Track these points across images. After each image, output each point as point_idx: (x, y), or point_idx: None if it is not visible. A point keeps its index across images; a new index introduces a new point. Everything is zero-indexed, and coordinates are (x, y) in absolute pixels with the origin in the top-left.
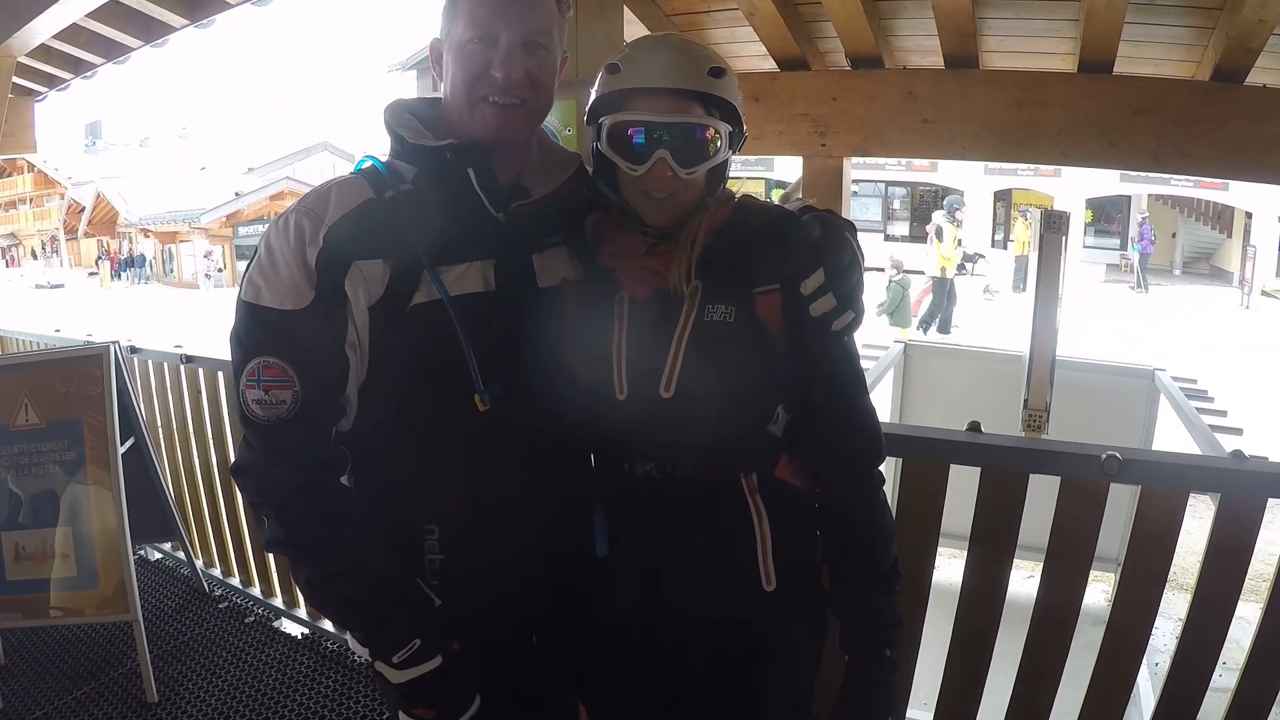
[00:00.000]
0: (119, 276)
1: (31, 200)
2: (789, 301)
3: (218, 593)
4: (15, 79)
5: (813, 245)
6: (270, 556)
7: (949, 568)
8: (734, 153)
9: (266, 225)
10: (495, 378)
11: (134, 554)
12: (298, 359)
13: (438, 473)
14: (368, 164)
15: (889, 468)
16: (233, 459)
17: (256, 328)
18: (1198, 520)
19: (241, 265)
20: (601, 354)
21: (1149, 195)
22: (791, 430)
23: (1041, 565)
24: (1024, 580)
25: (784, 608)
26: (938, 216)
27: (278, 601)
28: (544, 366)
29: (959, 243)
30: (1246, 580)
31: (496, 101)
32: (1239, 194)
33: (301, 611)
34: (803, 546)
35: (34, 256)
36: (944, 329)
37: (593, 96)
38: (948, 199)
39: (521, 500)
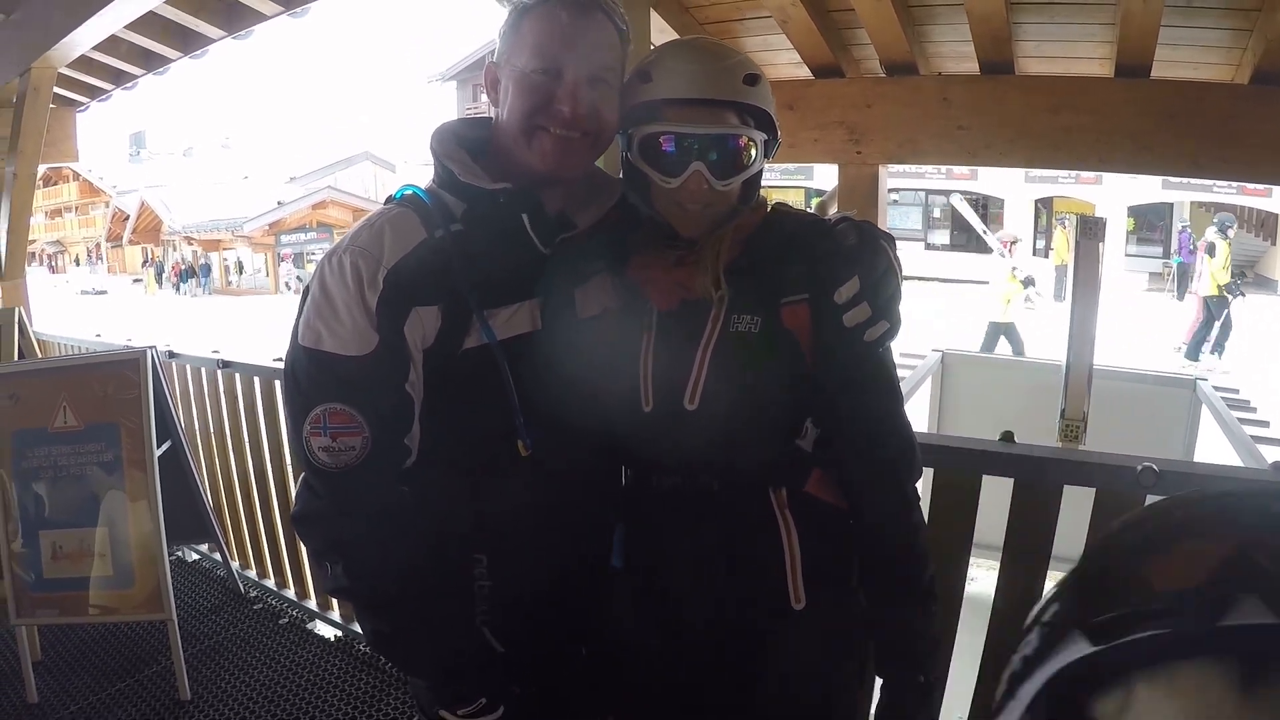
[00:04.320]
0: (179, 288)
1: (77, 208)
2: (819, 311)
3: (252, 594)
4: (57, 89)
5: (846, 253)
6: (305, 558)
7: (984, 579)
8: (768, 160)
9: (316, 262)
10: (539, 419)
11: (171, 554)
12: (366, 404)
13: (483, 506)
14: (410, 193)
15: (922, 479)
16: (268, 466)
17: (320, 374)
18: None
19: (283, 270)
20: (630, 367)
21: (1191, 203)
22: (822, 444)
23: None
24: None
25: (814, 627)
26: (1210, 232)
27: (312, 604)
28: (583, 396)
29: (1229, 263)
30: None
31: (557, 133)
32: None
33: (335, 614)
34: (837, 565)
35: (78, 263)
36: (1218, 349)
37: (621, 104)
38: (1219, 215)
39: (560, 524)
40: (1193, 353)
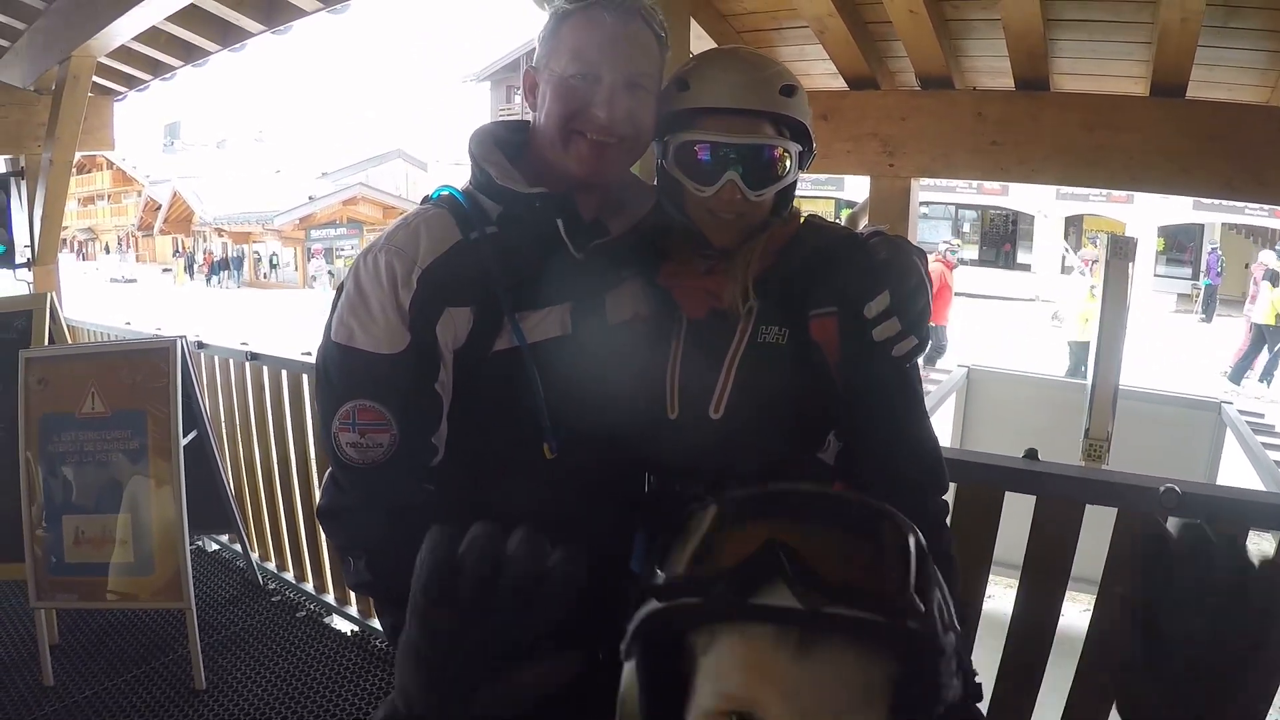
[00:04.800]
0: (209, 280)
1: (109, 196)
2: (847, 325)
3: (271, 586)
4: (96, 78)
5: (878, 267)
6: (325, 552)
7: (1001, 596)
8: (803, 171)
9: (331, 252)
10: (565, 422)
11: (191, 544)
12: (395, 402)
13: (506, 506)
14: (446, 194)
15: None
16: (292, 459)
17: (351, 370)
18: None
19: (313, 266)
20: (658, 374)
21: (1222, 224)
22: (844, 458)
23: (1094, 598)
24: (1079, 613)
25: None
26: (1266, 256)
27: (330, 598)
28: (610, 401)
29: None
30: None
31: (594, 138)
32: None
33: (352, 609)
34: None
35: (108, 251)
36: (1266, 378)
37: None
38: None
39: (582, 527)
40: (1236, 376)
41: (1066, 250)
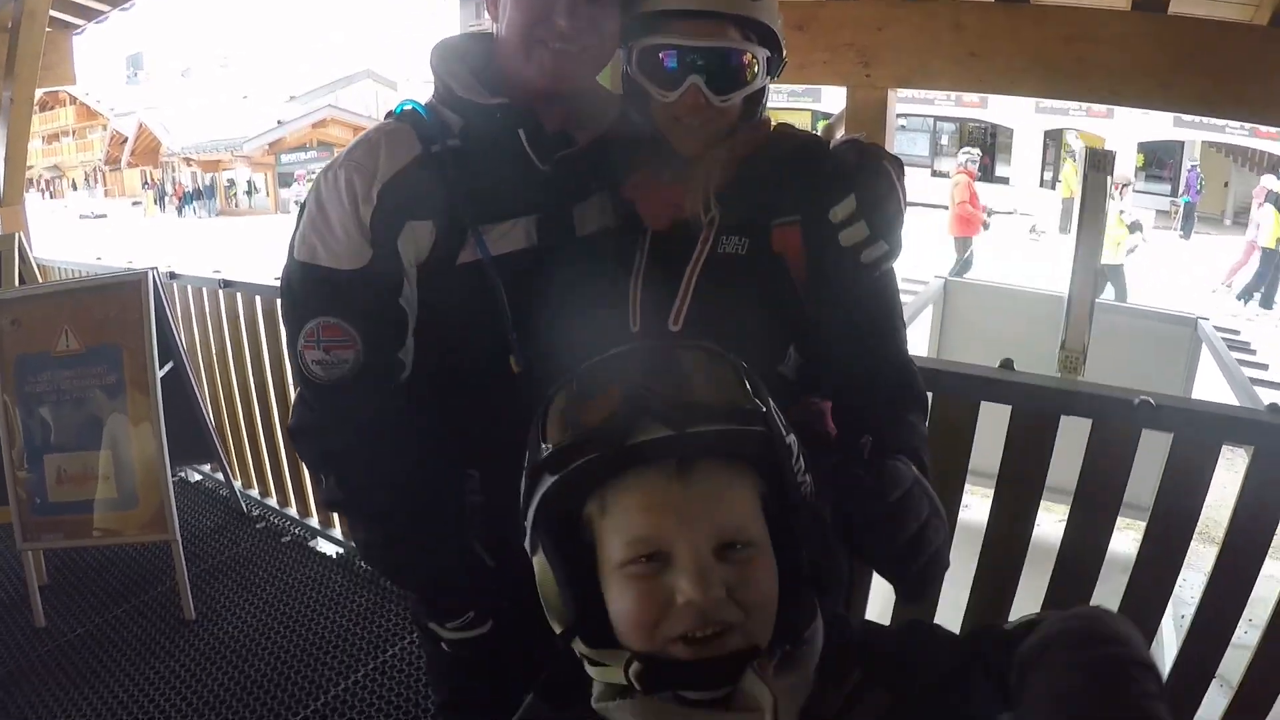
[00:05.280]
0: (182, 212)
1: (74, 132)
2: (812, 233)
3: (255, 513)
4: (52, 12)
5: (845, 171)
6: (306, 477)
7: (977, 506)
8: (772, 79)
9: (314, 176)
10: (533, 335)
11: (174, 476)
12: (358, 318)
13: (476, 421)
14: (409, 108)
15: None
16: (270, 386)
17: (314, 287)
18: (1235, 474)
19: (285, 193)
20: (620, 286)
21: (1202, 142)
22: (804, 372)
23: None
24: (1054, 523)
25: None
26: (1268, 180)
27: (313, 521)
28: (576, 313)
29: None
30: (1278, 538)
31: (556, 47)
32: None
33: (336, 532)
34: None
35: (75, 188)
36: (1266, 304)
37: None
38: None
39: None
40: (1246, 295)
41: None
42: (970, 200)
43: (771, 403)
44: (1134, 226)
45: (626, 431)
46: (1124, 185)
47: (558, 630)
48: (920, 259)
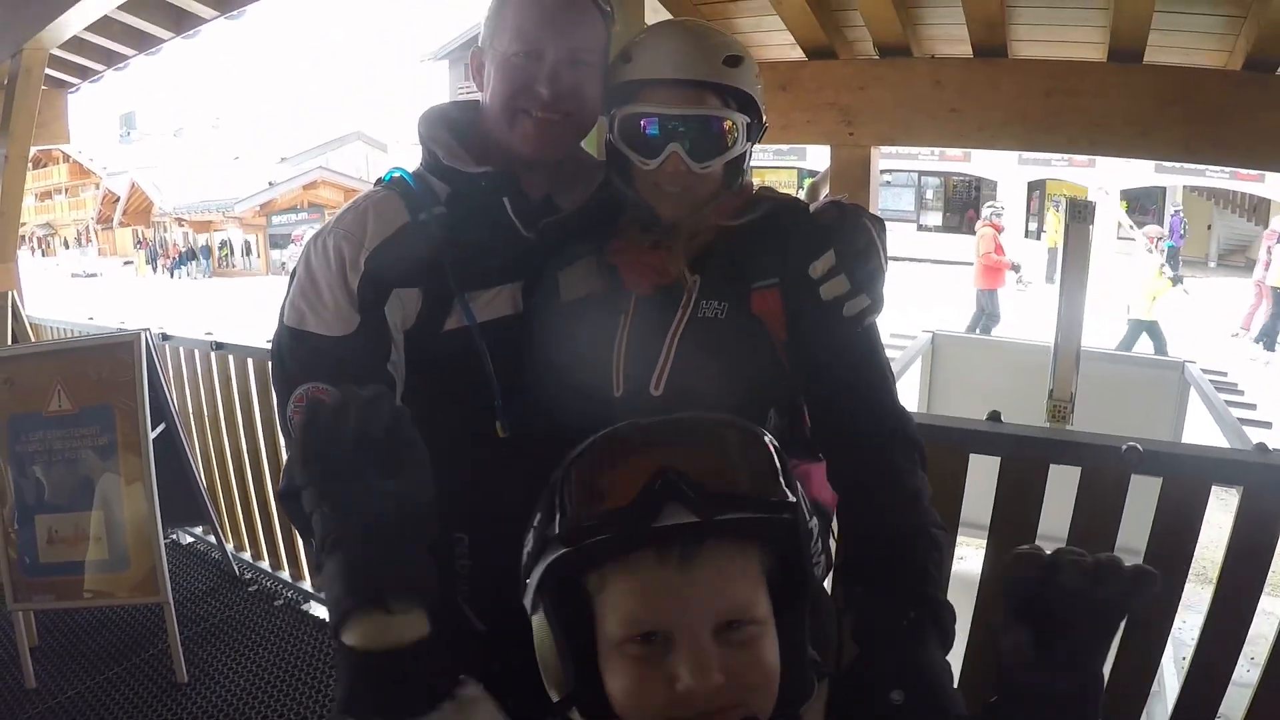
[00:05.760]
0: (173, 273)
1: (67, 190)
2: (792, 294)
3: (248, 576)
4: (48, 71)
5: (823, 230)
6: (299, 540)
7: (971, 558)
8: (753, 144)
9: (304, 243)
10: (518, 402)
11: (166, 538)
12: (347, 383)
13: (462, 486)
14: (397, 175)
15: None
16: (262, 448)
17: (304, 353)
18: (1228, 514)
19: (275, 254)
20: (604, 352)
21: (1184, 187)
22: (784, 436)
23: None
24: None
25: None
26: (1278, 223)
27: (306, 585)
28: (562, 380)
29: None
30: (1272, 574)
31: (539, 115)
32: (1276, 186)
33: None
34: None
35: (67, 246)
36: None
37: (605, 85)
38: None
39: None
40: (1266, 338)
41: (1131, 228)
42: (996, 250)
43: (800, 489)
44: (1176, 280)
45: (653, 515)
46: (1158, 239)
47: (555, 698)
48: (942, 314)
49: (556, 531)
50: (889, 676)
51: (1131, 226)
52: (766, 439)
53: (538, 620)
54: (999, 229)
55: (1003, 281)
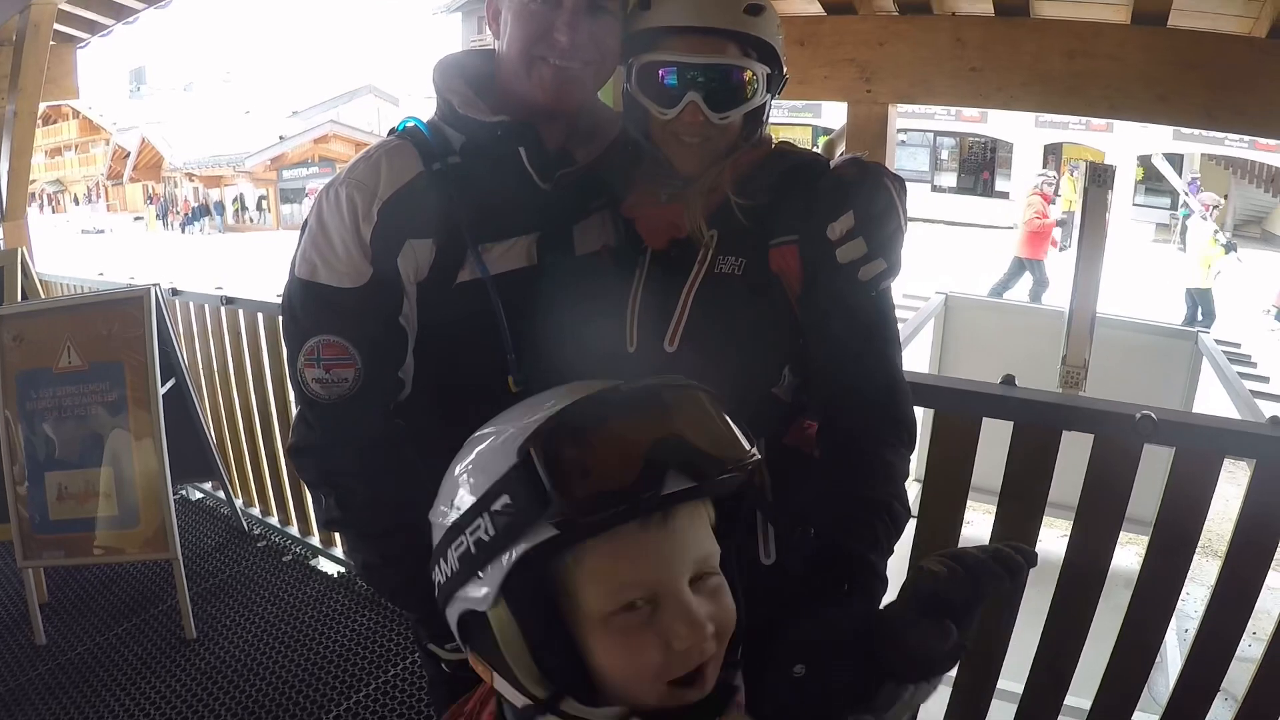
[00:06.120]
0: (184, 229)
1: (77, 147)
2: (809, 252)
3: (256, 531)
4: (57, 26)
5: (843, 188)
6: (307, 495)
7: (980, 523)
8: (773, 96)
9: (316, 194)
10: (531, 355)
11: (175, 494)
12: (359, 336)
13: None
14: (411, 124)
15: (922, 420)
16: (272, 404)
17: (315, 306)
18: (1238, 487)
19: (285, 209)
20: (619, 306)
21: (1202, 155)
22: (798, 394)
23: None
24: (1056, 539)
25: (781, 584)
26: None
27: (315, 540)
28: (574, 333)
29: None
30: None
31: (557, 63)
32: None
33: (338, 551)
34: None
35: (76, 202)
36: None
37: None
38: None
39: None
40: None
41: (1186, 195)
42: (1041, 215)
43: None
44: (1229, 247)
45: (659, 485)
46: (1214, 206)
47: (539, 694)
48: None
49: (547, 512)
50: (798, 647)
51: (1187, 193)
52: (719, 398)
53: (498, 614)
54: (1049, 199)
55: (1045, 252)
